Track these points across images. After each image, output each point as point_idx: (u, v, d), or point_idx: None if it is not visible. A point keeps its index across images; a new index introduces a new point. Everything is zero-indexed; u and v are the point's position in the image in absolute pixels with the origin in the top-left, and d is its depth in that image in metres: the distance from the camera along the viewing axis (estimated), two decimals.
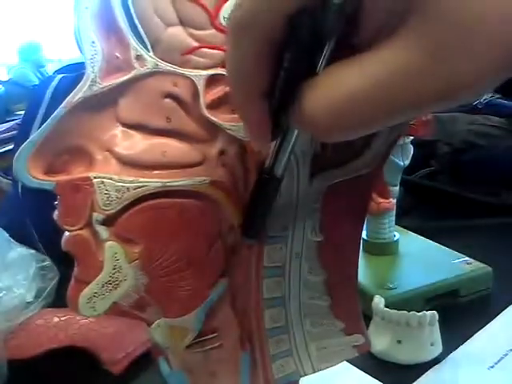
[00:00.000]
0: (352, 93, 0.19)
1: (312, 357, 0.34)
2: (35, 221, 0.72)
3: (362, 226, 0.33)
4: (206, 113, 0.27)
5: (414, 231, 0.77)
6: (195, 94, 0.27)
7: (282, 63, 0.21)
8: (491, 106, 0.96)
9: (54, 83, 0.76)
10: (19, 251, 0.56)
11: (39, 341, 0.55)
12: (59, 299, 0.62)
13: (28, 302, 0.55)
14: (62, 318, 0.58)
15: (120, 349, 0.55)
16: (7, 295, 0.52)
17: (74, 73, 0.78)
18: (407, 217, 0.86)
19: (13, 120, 1.15)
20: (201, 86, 0.27)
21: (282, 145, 0.25)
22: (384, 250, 0.69)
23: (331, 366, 0.35)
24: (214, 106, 0.28)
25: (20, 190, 0.76)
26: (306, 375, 0.34)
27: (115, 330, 0.57)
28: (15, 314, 0.53)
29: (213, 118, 0.27)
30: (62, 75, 0.78)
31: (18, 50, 2.87)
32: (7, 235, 0.59)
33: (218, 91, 0.27)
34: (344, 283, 0.33)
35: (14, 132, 1.03)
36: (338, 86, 0.19)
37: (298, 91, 0.20)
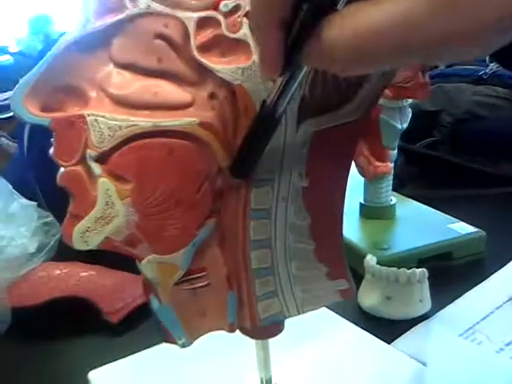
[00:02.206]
0: (372, 25, 0.20)
1: (297, 299, 0.35)
2: (40, 179, 0.74)
3: (348, 174, 0.34)
4: (197, 54, 0.28)
5: (413, 199, 0.78)
6: (186, 35, 0.28)
7: None
8: (497, 77, 0.96)
9: None
10: (22, 202, 0.57)
11: (41, 290, 0.57)
12: (61, 256, 0.64)
13: (30, 254, 0.57)
14: (64, 271, 0.60)
15: (119, 299, 0.57)
16: (10, 244, 0.53)
17: None
18: (408, 185, 0.87)
19: None
20: (191, 27, 0.28)
21: (289, 83, 0.26)
22: (381, 214, 0.70)
23: (316, 309, 0.36)
24: (204, 48, 0.28)
25: (26, 150, 0.78)
26: (291, 317, 0.35)
27: (115, 282, 0.59)
28: (18, 264, 0.55)
29: (203, 60, 0.28)
30: None
31: (28, 21, 2.86)
32: (11, 187, 0.60)
33: (208, 33, 0.28)
34: (328, 229, 0.34)
35: None
36: (360, 19, 0.20)
37: (318, 26, 0.21)
